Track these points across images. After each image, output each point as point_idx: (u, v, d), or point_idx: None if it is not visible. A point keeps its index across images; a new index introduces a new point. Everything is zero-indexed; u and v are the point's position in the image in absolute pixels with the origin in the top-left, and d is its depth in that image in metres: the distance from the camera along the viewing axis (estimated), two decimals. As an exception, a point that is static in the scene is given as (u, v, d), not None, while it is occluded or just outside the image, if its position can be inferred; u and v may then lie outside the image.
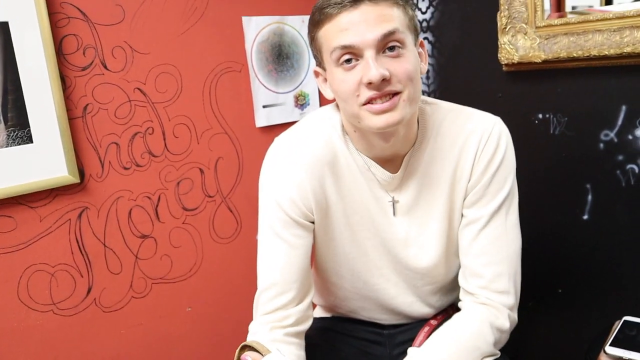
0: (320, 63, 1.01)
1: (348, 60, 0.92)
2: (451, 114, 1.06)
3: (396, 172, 1.04)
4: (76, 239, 1.37)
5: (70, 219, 1.36)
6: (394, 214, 1.06)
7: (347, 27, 0.90)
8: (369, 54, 0.89)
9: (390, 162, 1.04)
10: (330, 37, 0.92)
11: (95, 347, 1.43)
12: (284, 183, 1.02)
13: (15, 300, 1.30)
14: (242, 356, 0.90)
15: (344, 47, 0.91)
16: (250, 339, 0.97)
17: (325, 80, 1.01)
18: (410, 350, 1.00)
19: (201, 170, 1.56)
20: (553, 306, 1.59)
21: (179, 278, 1.55)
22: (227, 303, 1.65)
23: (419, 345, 1.08)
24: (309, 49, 1.29)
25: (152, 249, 1.50)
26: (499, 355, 1.02)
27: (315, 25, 0.96)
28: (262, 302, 1.02)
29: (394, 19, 0.91)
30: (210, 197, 1.59)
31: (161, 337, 1.54)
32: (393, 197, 1.05)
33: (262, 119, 1.66)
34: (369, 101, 0.92)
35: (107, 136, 1.40)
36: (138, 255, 1.47)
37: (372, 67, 0.89)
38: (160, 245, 1.51)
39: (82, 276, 1.39)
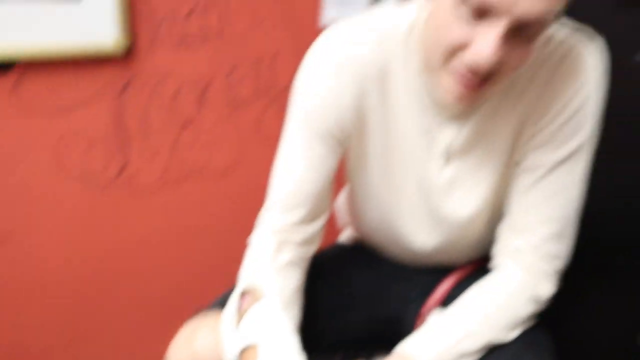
0: None
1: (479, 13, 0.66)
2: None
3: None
4: (117, 112, 1.32)
5: (112, 91, 1.30)
6: (445, 153, 0.88)
7: None
8: (500, 29, 0.65)
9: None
10: None
11: (121, 226, 1.42)
12: (319, 91, 0.85)
13: (49, 167, 1.29)
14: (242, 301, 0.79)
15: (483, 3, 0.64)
16: (250, 278, 0.89)
17: None
18: (432, 314, 0.91)
19: (256, 62, 1.45)
20: (609, 277, 1.44)
21: (216, 172, 1.50)
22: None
23: (439, 299, 0.99)
24: None
25: (192, 136, 1.44)
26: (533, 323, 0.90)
27: None
28: (272, 215, 0.92)
29: None
30: (261, 92, 1.48)
31: (190, 227, 1.52)
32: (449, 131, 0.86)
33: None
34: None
35: (162, 7, 1.29)
36: (178, 140, 1.42)
37: (490, 51, 0.66)
38: (201, 133, 1.45)
39: (117, 152, 1.35)
